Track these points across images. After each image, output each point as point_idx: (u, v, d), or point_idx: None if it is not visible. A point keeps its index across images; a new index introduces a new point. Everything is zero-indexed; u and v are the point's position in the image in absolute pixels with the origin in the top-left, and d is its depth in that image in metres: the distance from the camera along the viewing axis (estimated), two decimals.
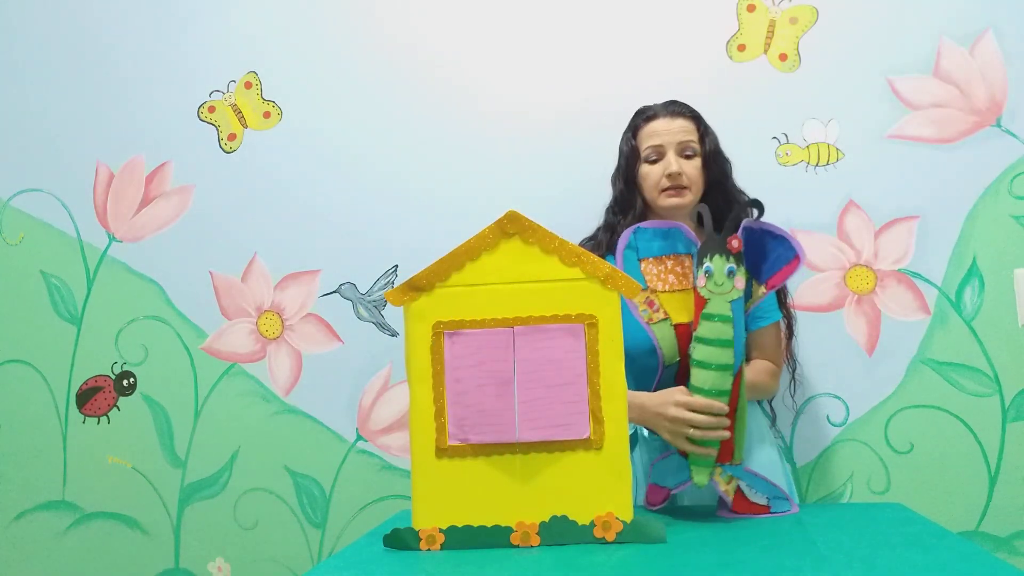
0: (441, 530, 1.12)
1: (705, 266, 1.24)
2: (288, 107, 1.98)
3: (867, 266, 1.75)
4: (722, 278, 1.23)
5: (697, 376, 1.26)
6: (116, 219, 2.01)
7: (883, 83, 1.78)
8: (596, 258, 1.15)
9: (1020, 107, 1.73)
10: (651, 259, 1.36)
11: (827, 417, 1.74)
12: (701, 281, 1.25)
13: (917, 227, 1.75)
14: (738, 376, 1.26)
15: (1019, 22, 1.74)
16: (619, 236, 1.51)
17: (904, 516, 1.28)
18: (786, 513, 1.29)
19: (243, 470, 1.92)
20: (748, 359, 1.50)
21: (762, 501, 1.29)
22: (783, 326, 1.61)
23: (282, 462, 1.92)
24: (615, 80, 1.86)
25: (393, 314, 1.90)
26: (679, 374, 1.37)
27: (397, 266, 1.92)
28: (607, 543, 1.10)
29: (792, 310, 1.64)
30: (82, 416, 1.98)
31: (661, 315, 1.33)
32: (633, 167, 1.55)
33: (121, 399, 1.97)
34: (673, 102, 1.56)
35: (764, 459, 1.48)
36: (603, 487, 1.12)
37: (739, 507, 1.28)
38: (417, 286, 1.16)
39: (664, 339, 1.33)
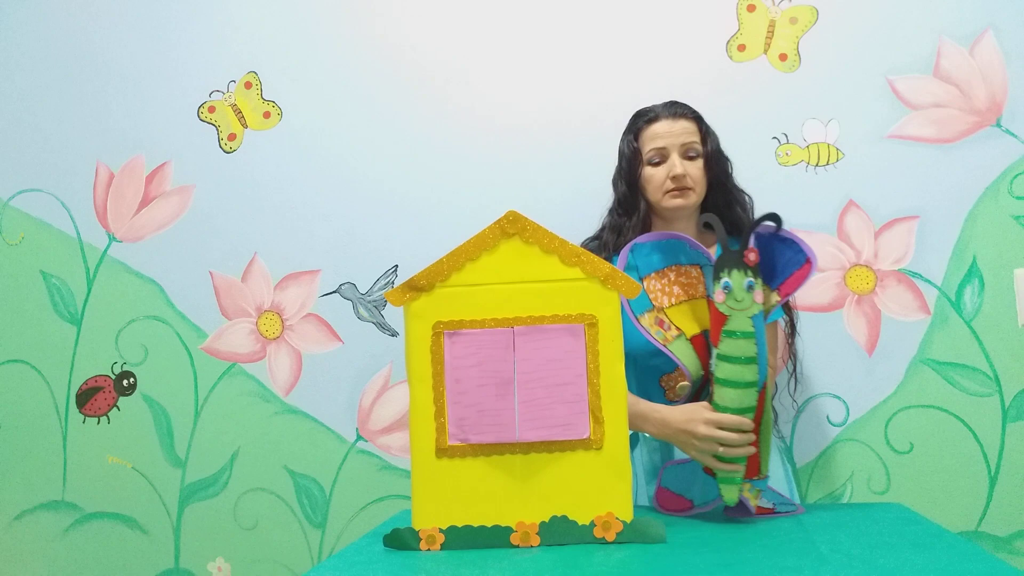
0: (441, 530, 1.12)
1: (723, 282, 1.20)
2: (288, 107, 1.98)
3: (867, 266, 1.75)
4: (742, 293, 1.19)
5: (722, 395, 1.23)
6: (116, 219, 2.01)
7: (883, 83, 1.78)
8: (596, 258, 1.15)
9: (1020, 107, 1.73)
10: (653, 275, 1.32)
11: (827, 417, 1.74)
12: (720, 297, 1.21)
13: (917, 227, 1.75)
14: (763, 391, 1.24)
15: (1019, 22, 1.74)
16: (626, 238, 1.51)
17: (904, 516, 1.28)
18: (791, 513, 1.29)
19: (243, 470, 1.92)
20: None
21: (768, 505, 1.29)
22: (784, 324, 1.61)
23: (282, 462, 1.92)
24: (615, 80, 1.86)
25: (393, 314, 1.90)
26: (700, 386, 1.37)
27: (397, 266, 1.92)
28: (607, 543, 1.10)
29: (794, 309, 1.64)
30: (82, 416, 1.98)
31: (675, 332, 1.29)
32: (635, 169, 1.54)
33: (121, 399, 1.97)
34: (674, 103, 1.56)
35: None
36: (603, 487, 1.12)
37: (756, 514, 1.28)
38: (417, 286, 1.16)
39: (685, 356, 1.28)
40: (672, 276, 1.31)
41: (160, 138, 2.01)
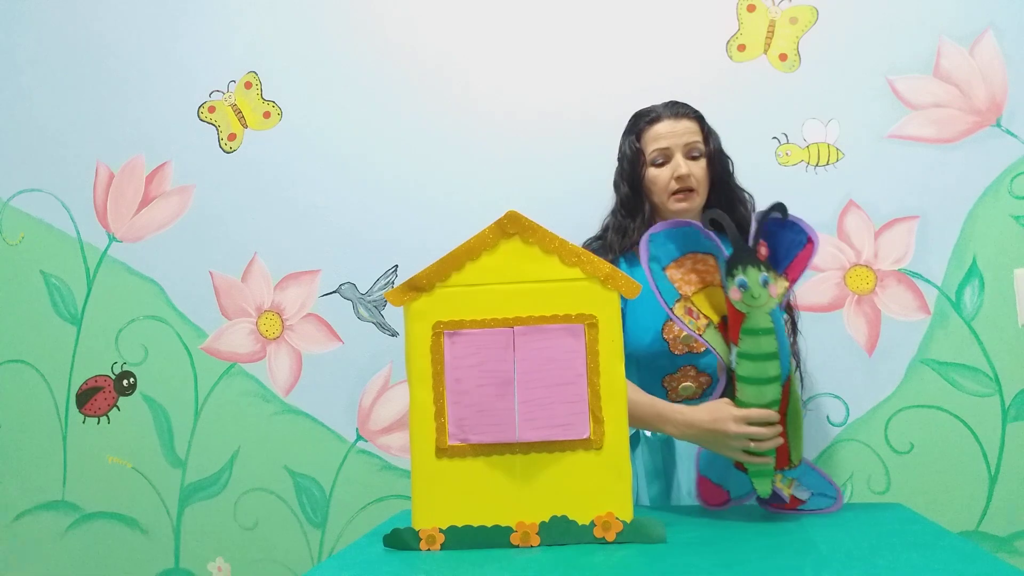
0: (441, 530, 1.12)
1: (738, 279, 1.17)
2: (288, 107, 1.98)
3: (867, 266, 1.75)
4: (758, 290, 1.17)
5: (746, 391, 1.22)
6: (116, 219, 2.01)
7: (883, 83, 1.78)
8: (596, 258, 1.15)
9: (1020, 107, 1.73)
10: (672, 264, 1.30)
11: (827, 417, 1.74)
12: (736, 295, 1.18)
13: (917, 227, 1.75)
14: (787, 383, 1.23)
15: (1019, 22, 1.74)
16: (631, 239, 1.51)
17: (904, 516, 1.28)
18: (824, 510, 1.28)
19: (243, 470, 1.92)
20: None
21: (804, 496, 1.28)
22: (786, 324, 1.61)
23: (282, 462, 1.92)
24: (615, 80, 1.86)
25: (393, 314, 1.90)
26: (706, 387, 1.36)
27: (397, 266, 1.92)
28: (607, 543, 1.10)
29: (795, 309, 1.64)
30: (82, 416, 1.98)
31: (704, 320, 1.27)
32: (638, 170, 1.54)
33: (121, 399, 1.97)
34: (675, 103, 1.55)
35: None
36: (603, 487, 1.12)
37: (791, 504, 1.28)
38: (417, 286, 1.16)
39: (718, 345, 1.26)
40: (689, 263, 1.29)
41: (160, 138, 2.01)
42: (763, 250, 1.19)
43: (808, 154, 1.80)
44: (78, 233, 2.02)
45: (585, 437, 1.12)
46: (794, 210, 1.73)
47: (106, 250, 2.01)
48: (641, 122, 1.55)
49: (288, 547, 1.90)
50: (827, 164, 1.79)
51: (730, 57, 1.84)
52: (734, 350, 1.23)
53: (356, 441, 1.90)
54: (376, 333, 1.91)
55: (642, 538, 1.10)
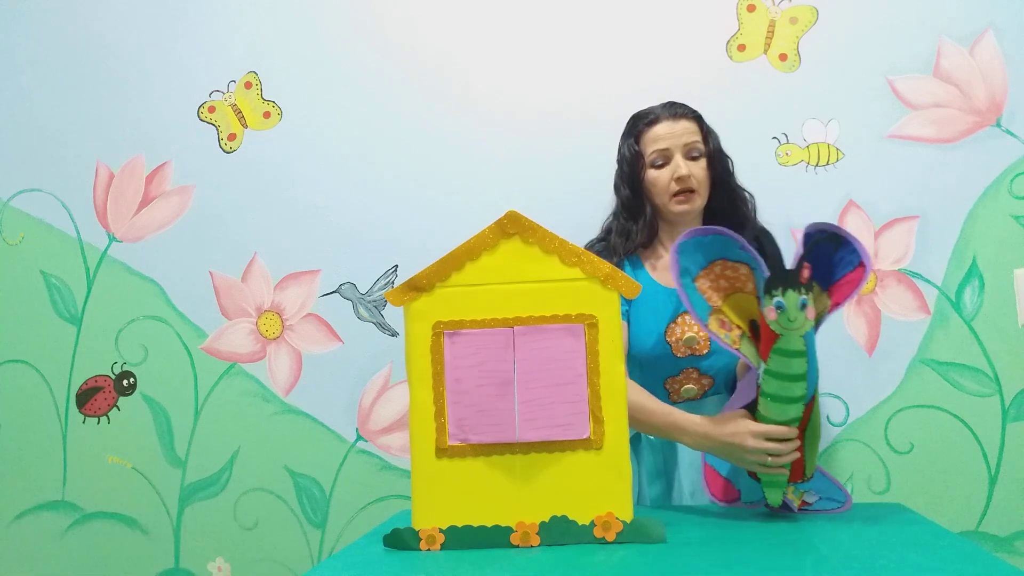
0: (441, 530, 1.12)
1: (776, 300, 1.15)
2: (288, 107, 1.98)
3: None
4: (795, 313, 1.14)
5: (769, 408, 1.21)
6: (116, 219, 2.01)
7: (883, 83, 1.78)
8: (596, 258, 1.15)
9: (1020, 107, 1.73)
10: (701, 273, 1.26)
11: (827, 417, 1.74)
12: (771, 315, 1.16)
13: (917, 227, 1.75)
14: (811, 401, 1.21)
15: (1019, 22, 1.74)
16: (634, 242, 1.51)
17: (904, 516, 1.28)
18: (829, 511, 1.28)
19: (243, 470, 1.92)
20: None
21: (812, 500, 1.28)
22: None
23: (282, 462, 1.91)
24: (615, 80, 1.86)
25: (393, 314, 1.90)
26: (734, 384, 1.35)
27: (397, 266, 1.92)
28: (607, 543, 1.10)
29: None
30: (82, 416, 1.98)
31: (737, 331, 1.25)
32: (638, 173, 1.52)
33: (121, 399, 1.97)
34: (673, 103, 1.54)
35: None
36: (603, 487, 1.12)
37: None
38: (417, 286, 1.16)
39: (752, 356, 1.23)
40: (718, 269, 1.26)
41: (160, 138, 2.01)
42: (806, 273, 1.15)
43: (808, 154, 1.79)
44: (78, 233, 2.02)
45: (585, 437, 1.12)
46: (794, 210, 1.75)
47: (106, 250, 2.01)
48: (640, 124, 1.54)
49: (288, 547, 1.90)
50: (827, 164, 1.79)
51: (730, 57, 1.84)
52: (762, 366, 1.21)
53: (356, 441, 1.90)
54: (376, 333, 1.91)
55: (642, 538, 1.10)
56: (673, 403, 1.46)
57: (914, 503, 1.63)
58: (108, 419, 1.97)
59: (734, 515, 1.30)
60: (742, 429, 1.23)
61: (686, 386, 1.50)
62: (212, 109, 2.00)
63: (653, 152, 1.50)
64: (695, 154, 1.50)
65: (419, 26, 1.95)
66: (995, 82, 1.74)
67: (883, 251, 1.75)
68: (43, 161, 2.04)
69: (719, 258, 1.25)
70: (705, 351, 1.48)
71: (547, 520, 1.12)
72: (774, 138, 1.81)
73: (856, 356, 1.74)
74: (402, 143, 1.93)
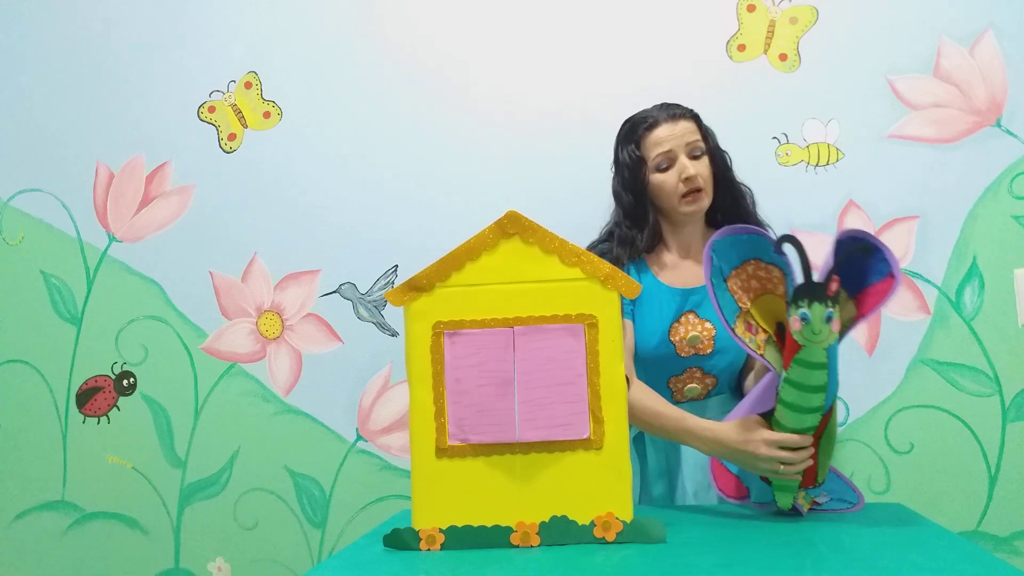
0: (441, 530, 1.12)
1: (801, 311, 1.12)
2: (288, 107, 1.98)
3: None
4: (820, 326, 1.11)
5: (785, 416, 1.20)
6: (116, 219, 2.01)
7: (883, 83, 1.78)
8: (596, 258, 1.14)
9: (1020, 107, 1.73)
10: (733, 273, 1.24)
11: None
12: (796, 325, 1.13)
13: (917, 227, 1.75)
14: (829, 411, 1.21)
15: (1019, 22, 1.74)
16: (638, 248, 1.50)
17: (904, 516, 1.28)
18: (840, 511, 1.28)
19: (243, 470, 1.92)
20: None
21: (822, 500, 1.28)
22: None
23: (282, 462, 1.92)
24: (615, 80, 1.86)
25: (393, 314, 1.90)
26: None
27: (397, 266, 1.92)
28: (607, 543, 1.10)
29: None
30: (82, 416, 1.98)
31: (763, 335, 1.24)
32: (640, 178, 1.50)
33: (121, 399, 1.97)
34: (668, 105, 1.52)
35: None
36: (603, 487, 1.12)
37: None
38: (417, 286, 1.16)
39: (775, 362, 1.21)
40: (751, 269, 1.24)
41: (160, 138, 2.01)
42: (834, 286, 1.13)
43: (808, 154, 1.80)
44: (78, 233, 2.02)
45: (585, 437, 1.12)
46: (794, 210, 1.75)
47: (106, 250, 2.01)
48: (639, 129, 1.50)
49: (288, 547, 1.90)
50: (827, 164, 1.79)
51: (730, 57, 1.84)
52: (783, 375, 1.20)
53: (356, 441, 1.90)
54: (376, 333, 1.91)
55: (642, 538, 1.10)
56: (676, 403, 1.46)
57: (914, 503, 1.62)
58: (108, 419, 1.97)
59: (735, 515, 1.30)
60: (756, 437, 1.22)
61: (689, 385, 1.50)
62: (212, 109, 2.00)
63: (657, 156, 1.48)
64: (697, 153, 1.49)
65: (419, 26, 1.95)
66: (995, 82, 1.74)
67: None
68: (43, 161, 2.04)
69: (753, 258, 1.24)
70: (709, 350, 1.48)
71: (547, 520, 1.11)
72: (774, 138, 1.81)
73: (856, 356, 1.74)
74: (402, 143, 1.93)
